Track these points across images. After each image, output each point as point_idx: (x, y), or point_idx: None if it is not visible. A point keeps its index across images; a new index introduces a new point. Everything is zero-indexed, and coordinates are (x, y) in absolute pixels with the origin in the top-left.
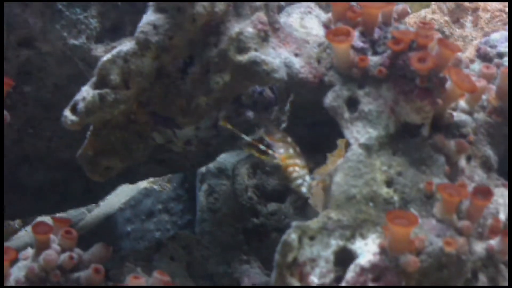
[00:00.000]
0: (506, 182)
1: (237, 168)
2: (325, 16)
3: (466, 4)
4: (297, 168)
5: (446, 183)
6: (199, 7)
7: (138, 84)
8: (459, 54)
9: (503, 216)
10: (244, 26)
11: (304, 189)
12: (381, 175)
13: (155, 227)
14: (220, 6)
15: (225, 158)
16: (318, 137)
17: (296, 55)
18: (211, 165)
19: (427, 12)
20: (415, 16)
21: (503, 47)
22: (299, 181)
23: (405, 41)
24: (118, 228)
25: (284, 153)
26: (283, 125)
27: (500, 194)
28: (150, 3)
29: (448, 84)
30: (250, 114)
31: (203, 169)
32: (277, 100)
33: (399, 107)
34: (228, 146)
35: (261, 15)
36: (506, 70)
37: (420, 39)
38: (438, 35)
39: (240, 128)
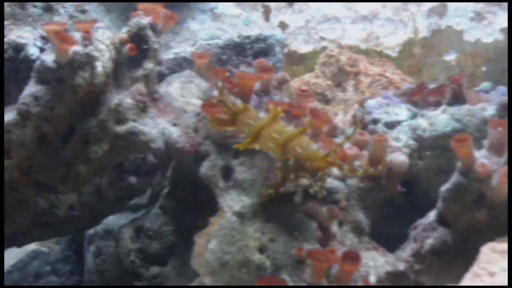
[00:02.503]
0: (377, 245)
1: (121, 232)
2: (205, 85)
3: (348, 68)
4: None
5: (316, 249)
6: (79, 78)
7: (19, 154)
8: (337, 120)
9: (373, 278)
10: (124, 97)
11: None
12: (254, 241)
13: None
14: (100, 78)
15: (113, 220)
16: (199, 201)
17: (175, 124)
18: (99, 227)
19: (310, 76)
20: (299, 80)
21: (377, 114)
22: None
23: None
24: None
25: None
26: (165, 190)
27: (370, 258)
28: (32, 74)
29: None
30: (133, 179)
31: (91, 230)
32: (160, 166)
33: (272, 175)
34: (114, 210)
35: (140, 86)
36: (377, 138)
37: (293, 110)
38: (315, 103)
39: (123, 193)
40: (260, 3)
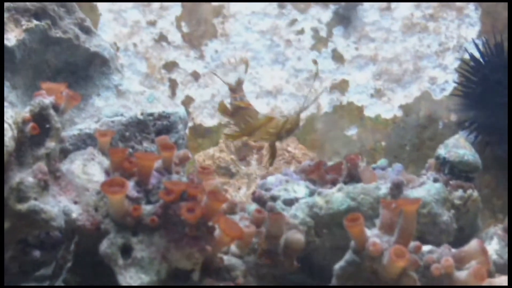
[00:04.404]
0: None
1: None
2: (107, 163)
3: (252, 143)
4: None
5: None
6: None
7: None
8: (240, 193)
9: None
10: (25, 176)
11: None
12: None
13: None
14: None
15: None
16: (102, 276)
17: (75, 202)
18: None
19: (215, 150)
20: (204, 154)
21: (277, 191)
22: None
23: (176, 192)
24: None
25: None
26: (69, 264)
27: None
28: None
29: (217, 232)
30: (37, 253)
31: None
32: (64, 240)
33: (170, 254)
34: (19, 282)
35: (41, 165)
36: (274, 216)
37: (190, 190)
38: (215, 181)
39: (27, 267)
40: (166, 77)
